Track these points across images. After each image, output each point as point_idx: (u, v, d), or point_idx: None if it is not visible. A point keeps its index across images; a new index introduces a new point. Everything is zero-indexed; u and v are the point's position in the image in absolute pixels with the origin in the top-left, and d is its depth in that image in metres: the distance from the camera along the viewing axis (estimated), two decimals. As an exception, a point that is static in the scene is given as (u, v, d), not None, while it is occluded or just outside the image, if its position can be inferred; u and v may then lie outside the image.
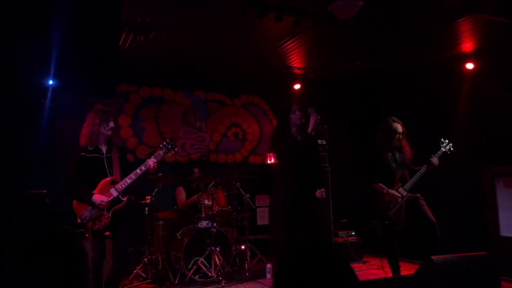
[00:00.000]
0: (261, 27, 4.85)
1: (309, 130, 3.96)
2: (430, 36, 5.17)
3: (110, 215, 3.58)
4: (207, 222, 5.11)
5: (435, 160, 4.42)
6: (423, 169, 4.43)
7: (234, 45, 5.54)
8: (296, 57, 6.03)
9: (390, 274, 4.68)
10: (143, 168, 3.67)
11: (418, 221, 4.43)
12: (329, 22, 4.54)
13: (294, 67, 6.46)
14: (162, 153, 3.85)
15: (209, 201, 5.22)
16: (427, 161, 4.44)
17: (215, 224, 5.10)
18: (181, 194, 5.93)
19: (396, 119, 4.56)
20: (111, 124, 3.72)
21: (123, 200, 3.64)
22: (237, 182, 5.94)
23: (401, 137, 4.52)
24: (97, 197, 3.51)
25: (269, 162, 7.36)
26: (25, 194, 4.16)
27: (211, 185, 5.73)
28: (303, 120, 4.03)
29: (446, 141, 4.54)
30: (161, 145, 3.89)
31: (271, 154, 7.36)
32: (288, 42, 5.40)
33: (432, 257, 3.38)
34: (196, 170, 6.08)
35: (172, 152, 3.93)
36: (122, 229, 3.70)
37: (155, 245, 5.30)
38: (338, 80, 7.23)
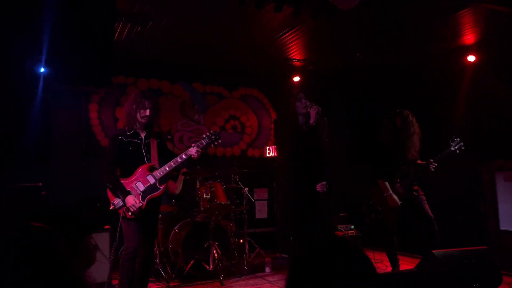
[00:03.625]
0: (260, 17, 4.77)
1: (311, 121, 3.92)
2: (431, 28, 5.10)
3: (145, 203, 3.40)
4: (206, 215, 5.06)
5: (432, 166, 4.29)
6: (419, 172, 4.35)
7: (232, 36, 5.45)
8: (295, 49, 5.96)
9: (389, 268, 4.66)
10: (183, 156, 3.50)
11: (415, 216, 4.40)
12: (330, 13, 4.46)
13: (294, 59, 6.38)
14: (204, 143, 3.61)
15: (207, 195, 5.16)
16: (425, 165, 4.33)
17: (213, 218, 5.05)
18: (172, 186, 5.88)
19: (404, 112, 4.46)
20: (147, 112, 3.50)
21: (160, 188, 3.48)
22: (235, 175, 5.89)
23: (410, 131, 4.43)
24: (131, 201, 3.33)
25: (268, 155, 7.31)
26: (19, 187, 4.09)
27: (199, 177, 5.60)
28: (309, 109, 3.96)
29: (457, 139, 4.27)
30: (204, 135, 3.67)
31: (271, 147, 7.32)
32: (288, 34, 5.33)
33: (433, 251, 3.35)
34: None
35: (220, 141, 3.69)
36: (154, 223, 3.61)
37: (152, 239, 5.25)
38: (338, 72, 7.15)
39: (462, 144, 4.27)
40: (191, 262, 4.82)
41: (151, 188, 3.44)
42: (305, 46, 5.86)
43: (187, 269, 4.79)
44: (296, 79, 7.16)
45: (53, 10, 2.73)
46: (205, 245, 4.91)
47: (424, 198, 4.40)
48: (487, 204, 5.33)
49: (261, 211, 6.88)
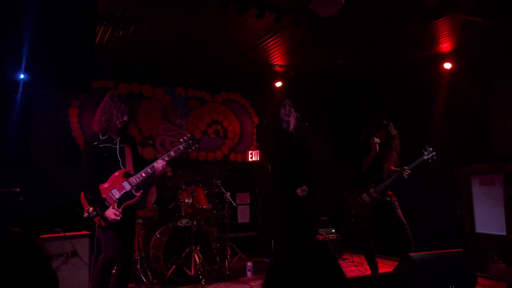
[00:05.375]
0: (243, 23, 4.81)
1: (291, 128, 3.95)
2: (410, 35, 5.23)
3: (120, 210, 3.26)
4: (187, 220, 5.05)
5: (406, 174, 4.45)
6: (393, 177, 4.48)
7: (215, 41, 5.48)
8: (277, 55, 6.01)
9: (369, 271, 4.74)
10: (153, 167, 3.39)
11: (388, 221, 4.51)
12: (311, 20, 4.54)
13: (276, 64, 6.44)
14: (182, 148, 3.51)
15: (189, 199, 5.15)
16: (399, 172, 4.48)
17: (195, 223, 5.04)
18: (153, 195, 5.81)
19: (389, 126, 4.59)
20: (125, 117, 3.39)
21: (136, 196, 3.35)
22: (217, 180, 5.89)
23: (392, 145, 4.57)
24: (111, 214, 3.20)
25: (250, 160, 7.33)
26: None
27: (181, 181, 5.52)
28: (291, 115, 4.00)
29: (430, 149, 4.50)
30: (181, 140, 3.56)
31: (253, 151, 7.35)
32: (270, 39, 5.38)
33: (410, 254, 3.44)
34: (167, 168, 5.89)
35: (196, 145, 3.60)
36: (131, 230, 3.48)
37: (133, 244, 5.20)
38: (320, 78, 7.25)
39: (434, 153, 4.48)
40: (173, 267, 4.80)
41: (126, 195, 3.32)
42: (287, 51, 5.92)
43: (168, 274, 4.76)
44: (279, 84, 7.23)
45: (33, 17, 2.69)
46: (187, 250, 4.89)
47: (397, 203, 4.52)
48: (463, 207, 5.47)
49: (243, 215, 6.90)
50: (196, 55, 6.05)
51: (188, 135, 3.60)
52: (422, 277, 3.27)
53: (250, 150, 7.42)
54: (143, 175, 3.36)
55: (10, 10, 2.71)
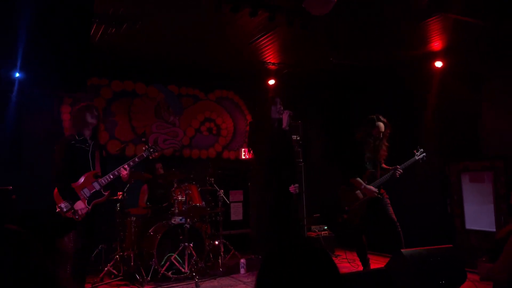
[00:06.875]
0: (236, 21, 4.82)
1: (284, 125, 3.98)
2: (402, 34, 5.28)
3: (90, 207, 3.69)
4: (181, 218, 5.06)
5: (398, 172, 4.53)
6: (387, 176, 4.55)
7: (208, 39, 5.48)
8: (270, 53, 6.03)
9: (361, 268, 4.79)
10: (126, 166, 3.89)
11: (380, 219, 4.57)
12: (304, 19, 4.56)
13: (269, 62, 6.45)
14: (145, 155, 4.06)
15: (182, 197, 5.17)
16: (392, 171, 4.55)
17: (188, 220, 5.06)
18: (145, 193, 5.81)
19: (381, 118, 4.64)
20: (95, 120, 3.85)
21: (104, 195, 3.80)
22: (211, 177, 5.91)
23: (381, 136, 4.62)
24: (81, 205, 3.62)
25: (243, 157, 7.36)
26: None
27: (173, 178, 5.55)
28: (282, 114, 4.03)
29: (421, 150, 4.62)
30: (144, 148, 4.11)
31: (246, 149, 7.37)
32: (263, 38, 5.39)
33: (401, 250, 3.48)
34: (158, 165, 5.88)
35: (156, 154, 4.17)
36: (94, 226, 3.82)
37: (127, 242, 5.20)
38: (313, 76, 7.28)
39: (425, 154, 4.62)
40: (166, 265, 4.82)
41: (96, 194, 3.76)
42: (280, 50, 5.94)
43: (162, 271, 4.77)
44: (271, 82, 7.25)
45: (29, 15, 2.69)
46: (180, 247, 4.91)
47: (388, 201, 4.59)
48: (454, 204, 5.54)
49: (236, 213, 6.92)
50: (189, 53, 6.04)
51: (151, 143, 4.27)
52: (412, 273, 3.32)
53: (244, 148, 7.44)
54: (111, 176, 3.84)
55: (5, 9, 2.71)
